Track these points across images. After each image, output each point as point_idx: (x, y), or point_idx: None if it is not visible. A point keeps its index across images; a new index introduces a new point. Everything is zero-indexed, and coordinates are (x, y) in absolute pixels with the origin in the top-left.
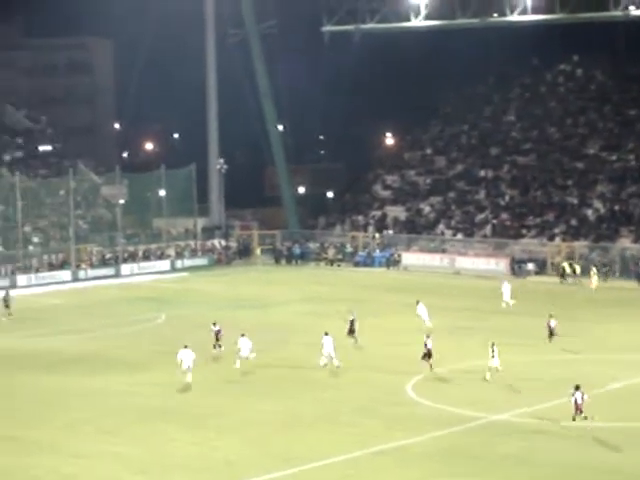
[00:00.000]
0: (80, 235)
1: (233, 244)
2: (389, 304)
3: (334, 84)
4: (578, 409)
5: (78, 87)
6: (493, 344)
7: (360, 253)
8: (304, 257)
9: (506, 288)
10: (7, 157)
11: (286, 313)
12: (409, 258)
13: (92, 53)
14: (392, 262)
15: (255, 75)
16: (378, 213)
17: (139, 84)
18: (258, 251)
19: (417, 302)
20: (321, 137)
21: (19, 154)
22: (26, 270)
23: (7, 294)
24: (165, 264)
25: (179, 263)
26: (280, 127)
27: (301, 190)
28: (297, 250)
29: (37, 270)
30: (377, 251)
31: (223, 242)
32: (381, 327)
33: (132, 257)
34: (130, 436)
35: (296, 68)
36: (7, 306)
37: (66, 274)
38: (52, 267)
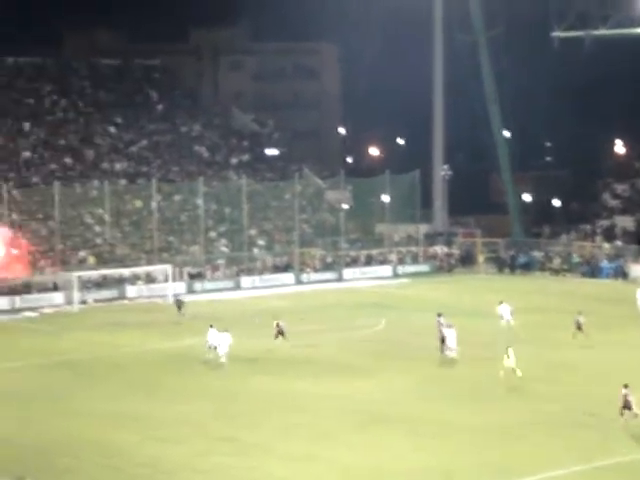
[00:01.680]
0: (304, 239)
1: (455, 251)
2: (614, 317)
3: (562, 90)
4: (627, 406)
5: (305, 92)
6: (508, 348)
7: (589, 263)
8: (528, 266)
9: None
10: (234, 160)
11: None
12: (638, 270)
13: (319, 58)
14: (620, 273)
15: (482, 80)
16: (606, 223)
17: (365, 89)
18: (481, 259)
19: (500, 302)
20: (548, 144)
21: (246, 157)
22: (250, 272)
23: (179, 298)
24: (387, 270)
25: (400, 269)
26: (506, 133)
27: (526, 197)
28: (521, 259)
29: (261, 272)
30: (605, 262)
31: (445, 249)
32: (605, 339)
33: (354, 262)
34: (345, 441)
35: (523, 73)
36: (179, 308)
37: (289, 277)
38: (276, 270)
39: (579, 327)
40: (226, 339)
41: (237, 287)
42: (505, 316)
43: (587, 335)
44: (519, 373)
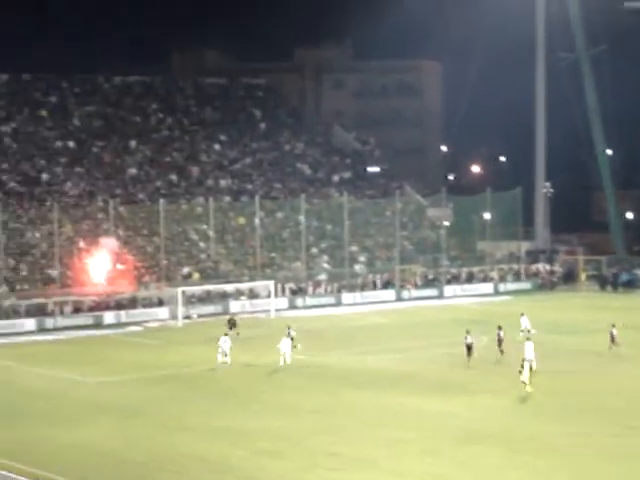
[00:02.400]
0: (405, 256)
1: (558, 269)
2: None
3: None
4: None
5: (406, 109)
6: (524, 360)
7: None
8: (631, 284)
9: None
10: (336, 178)
11: (605, 341)
12: None
13: (422, 75)
14: None
15: (584, 98)
16: None
17: (467, 106)
18: (583, 277)
19: (522, 314)
20: None
21: (347, 175)
22: (351, 289)
23: (232, 317)
24: (488, 287)
25: (502, 286)
26: (609, 151)
27: (629, 215)
28: (624, 277)
29: (362, 289)
30: None
31: (547, 267)
32: None
33: (455, 279)
34: (451, 458)
35: (626, 91)
36: (232, 326)
37: (390, 294)
38: (376, 286)
39: (613, 339)
40: (287, 343)
41: (338, 303)
42: (525, 327)
43: (620, 346)
44: (529, 389)
